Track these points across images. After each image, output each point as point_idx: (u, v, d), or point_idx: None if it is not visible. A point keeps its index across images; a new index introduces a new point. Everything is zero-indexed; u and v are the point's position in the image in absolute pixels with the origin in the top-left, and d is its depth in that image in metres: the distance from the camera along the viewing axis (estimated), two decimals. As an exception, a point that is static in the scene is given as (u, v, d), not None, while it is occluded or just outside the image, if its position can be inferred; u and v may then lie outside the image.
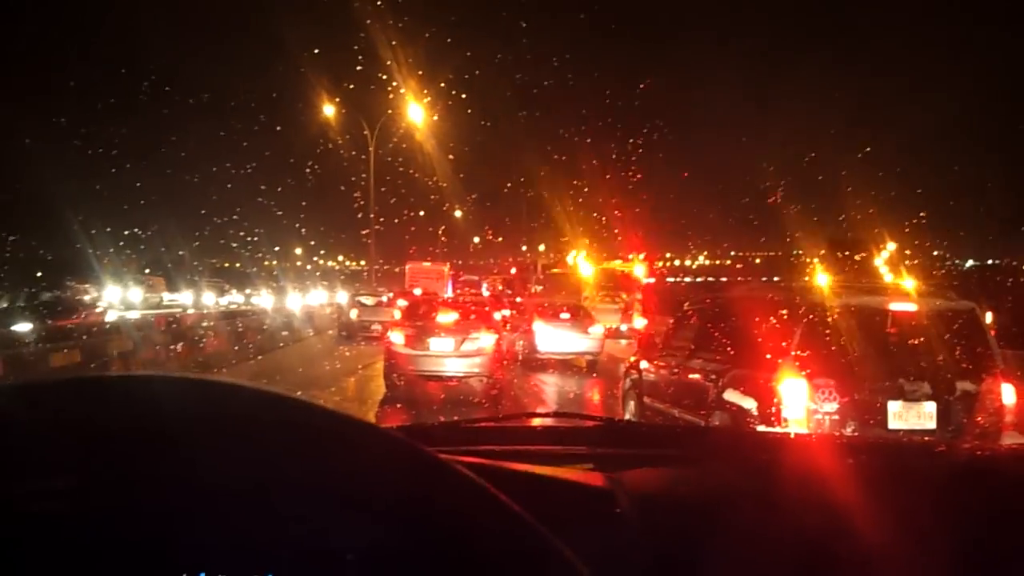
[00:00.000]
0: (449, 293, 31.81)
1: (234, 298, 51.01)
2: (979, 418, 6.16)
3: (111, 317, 27.57)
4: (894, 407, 6.04)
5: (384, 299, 27.60)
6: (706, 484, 1.49)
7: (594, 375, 18.09)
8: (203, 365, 16.51)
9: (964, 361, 6.39)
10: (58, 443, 0.73)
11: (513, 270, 40.81)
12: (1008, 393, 6.31)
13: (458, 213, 49.50)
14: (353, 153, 32.58)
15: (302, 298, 43.52)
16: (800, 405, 5.95)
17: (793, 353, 6.19)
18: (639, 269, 31.67)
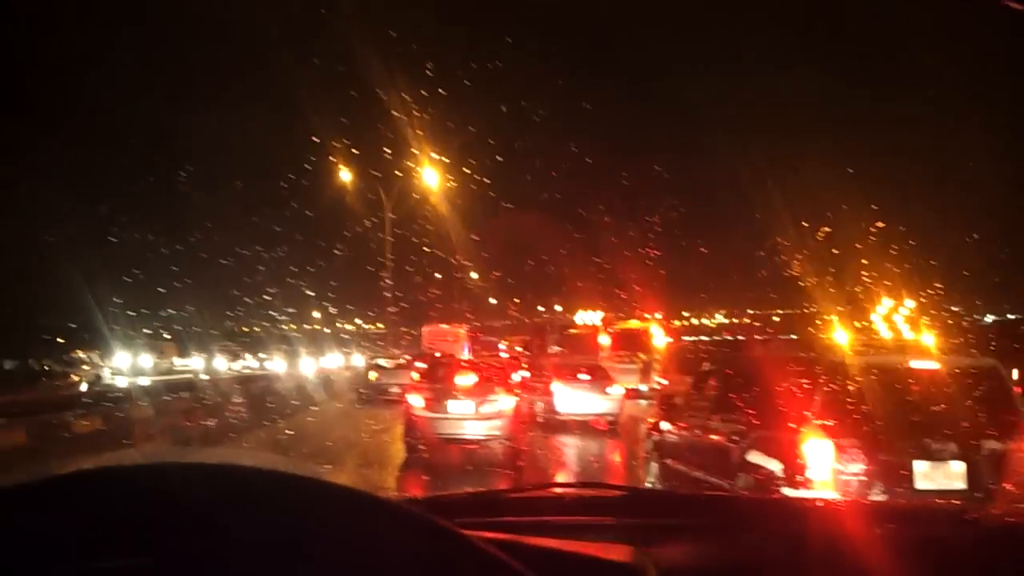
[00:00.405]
0: (467, 355, 31.78)
1: (249, 363, 50.13)
2: (1009, 478, 6.06)
3: (122, 383, 27.74)
4: (920, 467, 5.95)
5: (402, 361, 27.61)
6: (735, 556, 1.48)
7: (615, 436, 17.92)
8: (221, 432, 16.45)
9: (989, 419, 6.30)
10: (132, 523, 0.80)
11: (530, 332, 40.73)
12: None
13: (474, 275, 49.73)
14: (369, 219, 32.94)
15: (316, 362, 42.91)
16: (826, 467, 5.88)
17: (816, 413, 6.14)
18: (656, 329, 31.55)
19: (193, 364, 43.05)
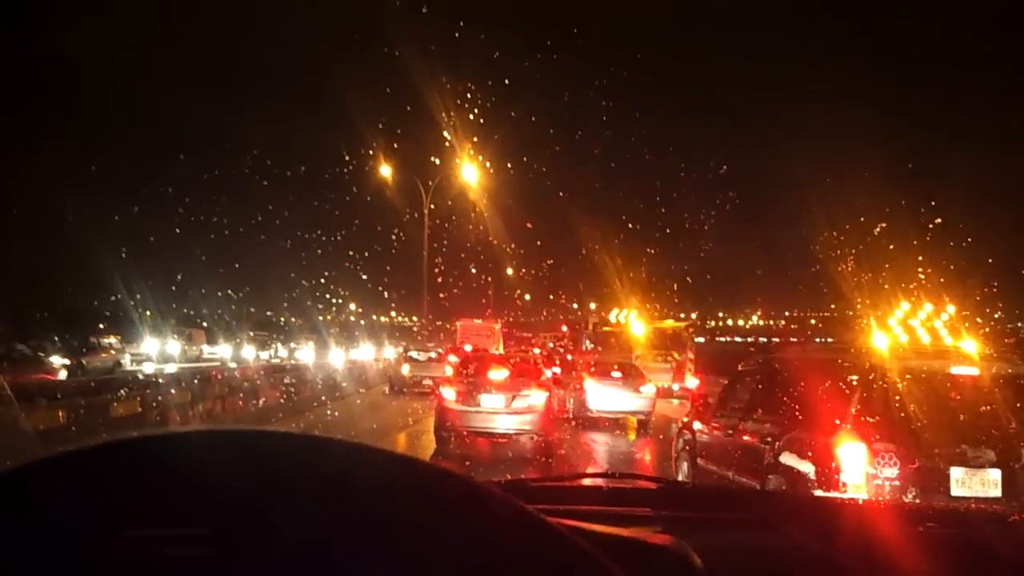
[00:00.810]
0: (500, 350, 31.83)
1: (279, 352, 49.84)
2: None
3: (148, 370, 27.64)
4: (956, 474, 5.88)
5: (434, 355, 27.73)
6: (772, 550, 1.50)
7: (645, 435, 17.88)
8: (249, 422, 16.61)
9: (1029, 428, 6.21)
10: (198, 491, 0.78)
11: (564, 328, 40.68)
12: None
13: (509, 271, 49.73)
14: (407, 214, 33.10)
15: (345, 353, 42.38)
16: (859, 470, 5.83)
17: (852, 417, 6.09)
18: (691, 329, 31.36)
19: (221, 352, 42.87)
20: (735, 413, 8.18)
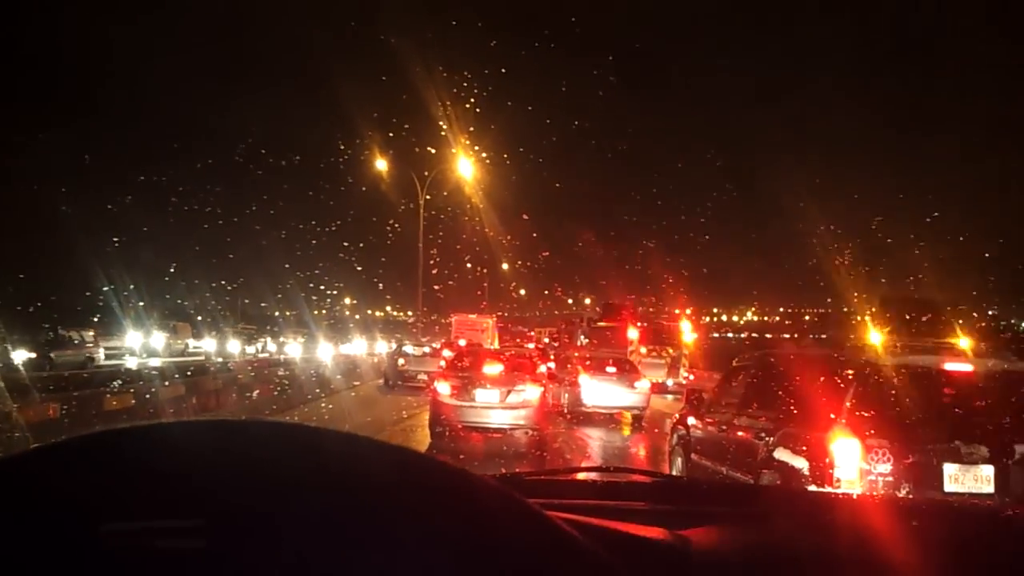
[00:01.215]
0: (495, 345, 31.84)
1: (268, 346, 48.40)
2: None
3: (131, 364, 26.45)
4: (950, 470, 5.90)
5: (428, 349, 27.74)
6: (768, 544, 1.49)
7: (640, 430, 17.91)
8: (242, 415, 16.55)
9: (1022, 425, 6.23)
10: (187, 483, 0.77)
11: (560, 324, 40.73)
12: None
13: (504, 265, 49.74)
14: (403, 204, 33.04)
15: (336, 348, 41.37)
16: (853, 466, 5.85)
17: (846, 413, 6.10)
18: (685, 324, 31.41)
19: (206, 346, 41.40)
20: (729, 409, 8.19)
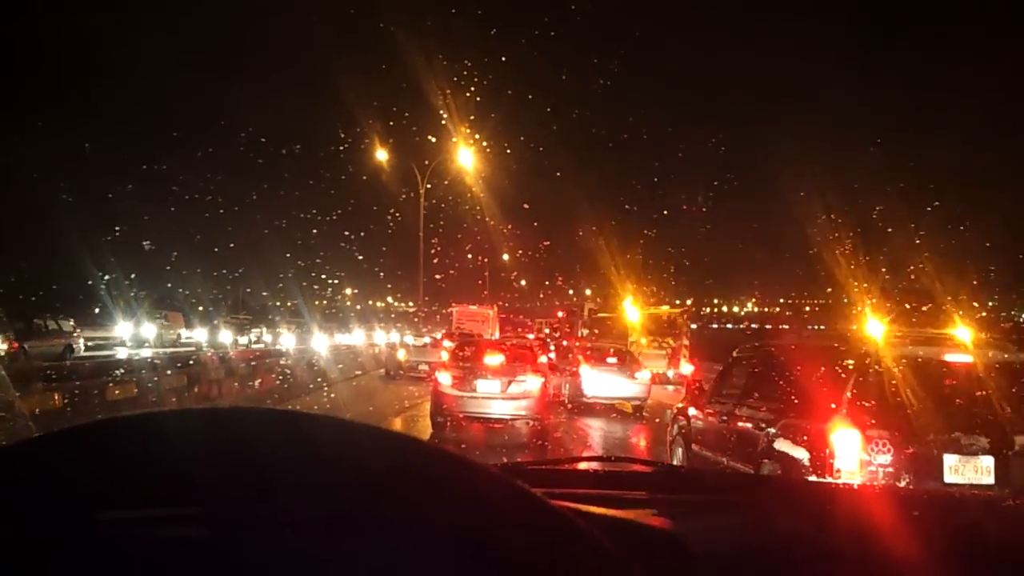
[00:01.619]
0: (496, 335, 31.87)
1: (263, 337, 46.59)
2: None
3: (122, 355, 25.50)
4: (950, 461, 5.90)
5: (429, 340, 27.75)
6: (767, 532, 1.50)
7: (640, 420, 17.94)
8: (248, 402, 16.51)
9: (1022, 416, 6.24)
10: (184, 471, 0.77)
11: (560, 314, 40.73)
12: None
13: (505, 256, 49.71)
14: (404, 193, 33.01)
15: (331, 338, 40.01)
16: (853, 457, 5.86)
17: (846, 403, 6.11)
18: (686, 315, 31.40)
19: (197, 336, 39.57)
20: (730, 399, 8.20)
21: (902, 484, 5.82)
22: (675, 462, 9.25)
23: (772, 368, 7.85)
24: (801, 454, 6.32)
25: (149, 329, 35.90)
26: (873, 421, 5.95)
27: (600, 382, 18.80)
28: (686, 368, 26.22)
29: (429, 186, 31.78)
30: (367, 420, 0.85)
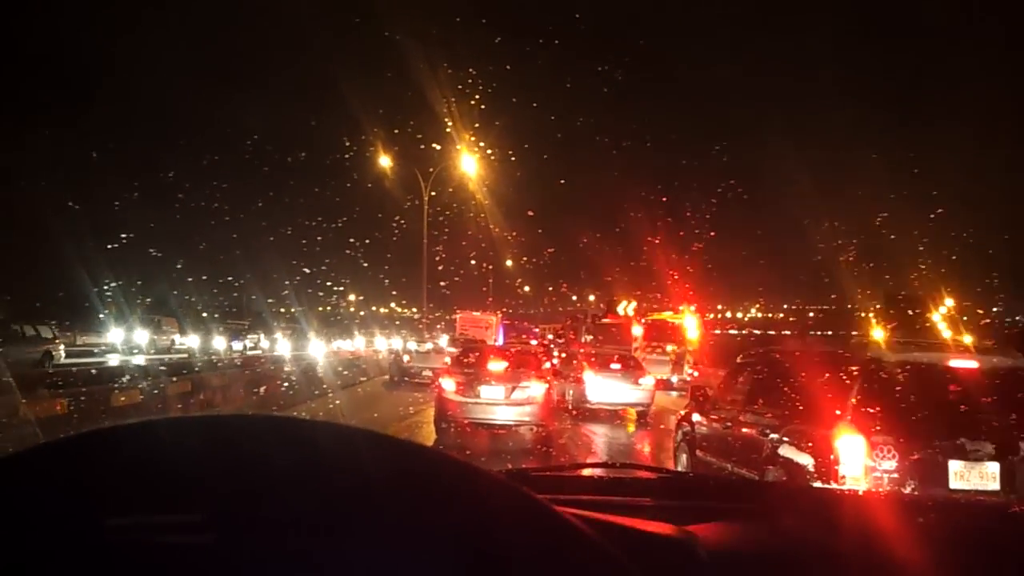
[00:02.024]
0: (500, 341, 31.87)
1: (260, 343, 45.95)
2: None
3: (113, 362, 24.62)
4: (955, 467, 5.89)
5: (432, 346, 27.76)
6: (774, 538, 1.50)
7: (644, 426, 17.92)
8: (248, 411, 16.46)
9: (1028, 421, 6.22)
10: (186, 478, 0.77)
11: (564, 321, 40.72)
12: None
13: (508, 262, 49.73)
14: (408, 200, 33.03)
15: (329, 345, 39.34)
16: (858, 463, 5.85)
17: (851, 409, 6.10)
18: (690, 321, 31.37)
19: (190, 343, 39.05)
20: (734, 405, 8.19)
21: (907, 490, 5.81)
22: (680, 468, 9.24)
23: (776, 374, 7.84)
24: (806, 460, 6.31)
25: (142, 335, 35.11)
26: (878, 427, 5.93)
27: (604, 388, 18.78)
28: (690, 374, 26.20)
29: (433, 193, 31.81)
30: (372, 426, 0.85)
